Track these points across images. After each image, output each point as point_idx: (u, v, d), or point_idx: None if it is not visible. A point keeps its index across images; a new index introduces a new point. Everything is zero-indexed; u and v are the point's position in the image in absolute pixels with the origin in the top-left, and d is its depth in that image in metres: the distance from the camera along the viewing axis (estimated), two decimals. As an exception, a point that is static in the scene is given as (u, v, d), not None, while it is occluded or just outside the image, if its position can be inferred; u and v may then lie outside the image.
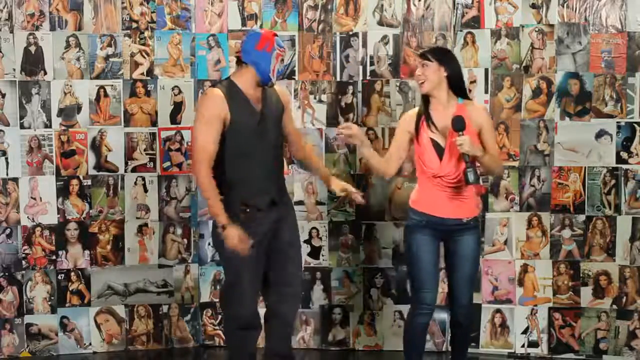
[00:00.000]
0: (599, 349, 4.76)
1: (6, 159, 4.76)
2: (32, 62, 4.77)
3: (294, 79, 4.91)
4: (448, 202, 3.86)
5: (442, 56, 3.85)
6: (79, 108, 4.85)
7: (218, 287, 4.95)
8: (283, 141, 3.99)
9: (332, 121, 4.91)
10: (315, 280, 4.96)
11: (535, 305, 4.82)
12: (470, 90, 4.55)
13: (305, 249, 4.94)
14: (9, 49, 4.73)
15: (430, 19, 4.83)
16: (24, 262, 4.81)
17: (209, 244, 4.96)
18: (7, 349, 4.79)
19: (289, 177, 4.92)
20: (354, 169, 4.92)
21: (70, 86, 4.82)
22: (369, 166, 4.19)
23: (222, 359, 4.90)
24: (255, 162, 3.76)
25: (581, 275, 4.76)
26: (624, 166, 4.69)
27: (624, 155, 4.69)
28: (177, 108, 4.93)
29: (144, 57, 4.89)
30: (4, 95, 4.75)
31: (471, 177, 3.67)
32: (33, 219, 4.81)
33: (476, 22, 4.80)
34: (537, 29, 4.72)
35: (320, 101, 4.92)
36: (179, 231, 4.97)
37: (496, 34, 4.77)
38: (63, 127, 4.83)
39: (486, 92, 4.76)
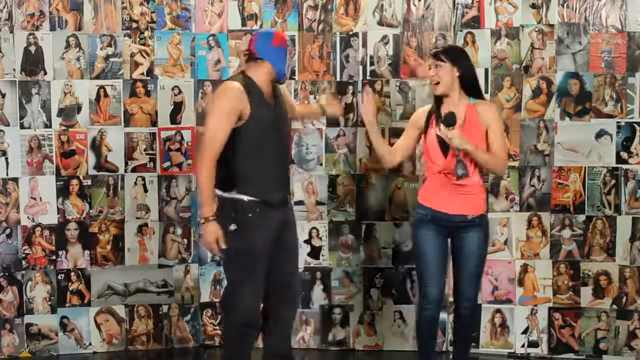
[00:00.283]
0: (599, 349, 4.76)
1: (6, 159, 4.76)
2: (32, 62, 4.77)
3: (294, 79, 4.91)
4: (453, 198, 3.88)
5: (455, 56, 3.86)
6: (79, 108, 4.85)
7: (218, 287, 4.95)
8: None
9: (332, 121, 4.91)
10: (315, 280, 4.96)
11: (535, 305, 4.82)
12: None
13: (305, 249, 4.95)
14: (9, 49, 4.73)
15: (430, 19, 4.83)
16: (24, 262, 4.81)
17: (209, 244, 4.96)
18: (7, 349, 4.79)
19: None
20: (354, 169, 4.92)
21: (70, 86, 4.82)
22: (374, 151, 4.24)
23: (222, 359, 4.90)
24: (271, 158, 3.78)
25: (581, 275, 4.76)
26: (624, 166, 4.69)
27: (624, 155, 4.69)
28: (177, 108, 4.93)
29: (144, 57, 4.89)
30: (4, 95, 4.75)
31: (459, 170, 3.77)
32: (33, 219, 4.81)
33: (476, 22, 4.80)
34: (537, 29, 4.72)
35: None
36: (179, 231, 4.97)
37: (496, 34, 4.77)
38: (63, 127, 4.83)
39: (486, 92, 4.74)
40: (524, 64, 4.74)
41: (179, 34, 4.91)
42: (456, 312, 4.13)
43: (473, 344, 4.67)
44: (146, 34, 4.88)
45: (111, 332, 4.93)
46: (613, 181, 4.70)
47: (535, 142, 4.76)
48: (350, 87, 4.89)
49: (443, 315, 4.75)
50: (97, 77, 4.85)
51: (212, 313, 4.99)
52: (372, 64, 4.87)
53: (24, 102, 4.76)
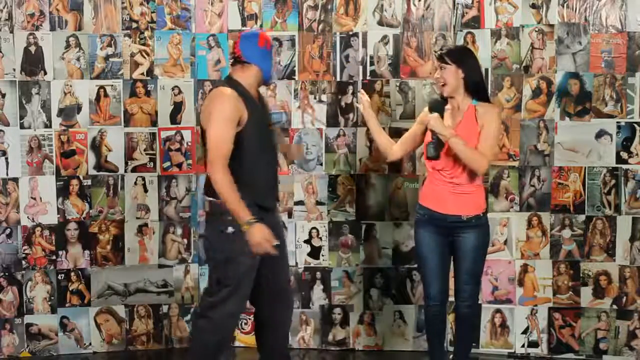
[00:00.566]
0: (599, 349, 4.76)
1: (6, 159, 4.76)
2: (32, 62, 4.77)
3: (294, 79, 4.91)
4: (448, 198, 3.90)
5: (460, 58, 3.87)
6: (79, 108, 4.85)
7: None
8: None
9: (332, 121, 4.91)
10: (315, 280, 4.96)
11: (535, 305, 4.82)
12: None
13: (305, 249, 4.95)
14: (9, 49, 4.73)
15: (430, 19, 4.83)
16: (24, 262, 4.81)
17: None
18: (7, 349, 4.79)
19: (289, 177, 4.92)
20: (354, 169, 4.92)
21: (70, 86, 4.82)
22: (374, 141, 4.29)
23: (227, 358, 4.89)
24: (266, 162, 3.75)
25: (581, 275, 4.76)
26: (624, 166, 4.69)
27: (624, 155, 4.69)
28: (177, 108, 4.93)
29: (144, 57, 4.89)
30: (4, 95, 4.75)
31: (429, 151, 3.83)
32: (33, 219, 4.81)
33: (476, 22, 4.80)
34: (537, 29, 4.72)
35: (320, 101, 4.92)
36: (179, 231, 4.97)
37: (496, 34, 4.77)
38: (63, 127, 4.83)
39: (486, 92, 4.76)
40: (524, 64, 4.74)
41: (179, 34, 4.91)
42: (455, 311, 4.14)
43: (473, 343, 4.67)
44: (146, 34, 4.88)
45: (111, 332, 4.93)
46: (613, 181, 4.70)
47: (535, 142, 4.76)
48: (350, 87, 4.89)
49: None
50: (97, 77, 4.85)
51: (212, 313, 4.99)
52: (372, 64, 4.87)
53: (24, 102, 4.76)
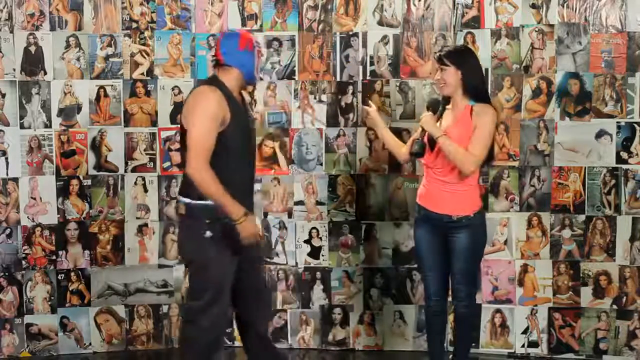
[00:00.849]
0: (599, 349, 4.76)
1: (6, 159, 4.76)
2: (32, 62, 4.77)
3: (294, 79, 4.91)
4: (440, 197, 3.92)
5: (459, 59, 3.88)
6: (79, 108, 4.85)
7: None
8: None
9: (332, 121, 4.91)
10: (315, 280, 4.96)
11: (535, 305, 4.82)
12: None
13: (305, 249, 4.95)
14: (9, 49, 4.73)
15: (430, 19, 4.83)
16: (24, 262, 4.81)
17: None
18: (7, 349, 4.79)
19: (289, 177, 4.92)
20: (354, 169, 4.92)
21: (70, 86, 4.82)
22: (385, 145, 4.38)
23: (222, 358, 4.90)
24: (245, 165, 3.69)
25: (581, 275, 4.76)
26: (624, 166, 4.69)
27: (624, 155, 4.69)
28: (177, 108, 4.92)
29: (144, 57, 4.89)
30: (4, 95, 4.75)
31: (414, 147, 3.93)
32: (33, 219, 4.81)
33: (476, 22, 4.80)
34: (537, 29, 4.72)
35: (320, 101, 4.92)
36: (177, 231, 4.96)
37: (496, 34, 4.77)
38: (63, 127, 4.83)
39: (486, 92, 4.76)
40: (524, 64, 4.74)
41: (179, 34, 4.91)
42: (454, 312, 4.15)
43: (473, 344, 4.67)
44: (146, 34, 4.88)
45: (111, 332, 4.93)
46: (613, 181, 4.70)
47: (535, 142, 4.76)
48: (350, 87, 4.89)
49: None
50: (97, 77, 4.85)
51: (212, 313, 4.99)
52: (372, 64, 4.87)
53: (24, 102, 4.76)
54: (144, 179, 4.93)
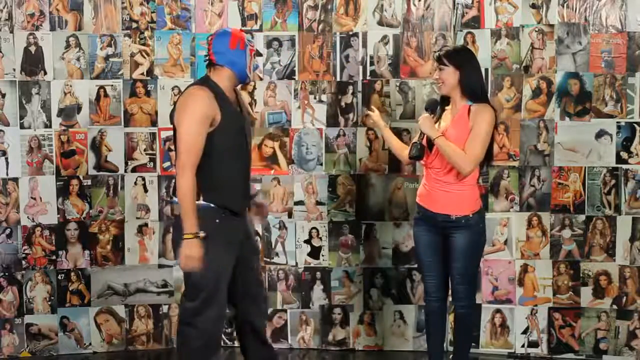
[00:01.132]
0: (599, 349, 4.76)
1: (6, 159, 4.76)
2: (32, 62, 4.77)
3: (294, 79, 4.91)
4: (438, 196, 3.93)
5: (458, 60, 3.88)
6: (79, 108, 4.85)
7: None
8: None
9: (332, 121, 4.91)
10: (315, 280, 4.96)
11: (535, 305, 4.82)
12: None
13: (305, 249, 4.95)
14: (9, 49, 4.73)
15: (430, 19, 4.83)
16: (24, 262, 4.81)
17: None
18: (7, 349, 4.79)
19: (289, 177, 4.92)
20: (354, 169, 4.92)
21: (70, 86, 4.82)
22: (389, 148, 4.44)
23: (221, 359, 4.90)
24: (239, 165, 3.67)
25: (581, 275, 4.76)
26: (624, 166, 4.69)
27: (624, 155, 4.69)
28: (177, 108, 4.92)
29: (144, 57, 4.89)
30: (4, 95, 4.75)
31: (412, 150, 3.91)
32: (33, 219, 4.81)
33: (476, 22, 4.80)
34: (537, 29, 4.72)
35: (320, 101, 4.92)
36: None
37: (496, 34, 4.77)
38: (63, 127, 4.83)
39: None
40: (524, 64, 4.74)
41: (179, 34, 4.91)
42: (454, 311, 4.15)
43: (473, 344, 4.67)
44: (146, 34, 4.88)
45: (111, 332, 4.93)
46: (613, 181, 4.70)
47: (535, 142, 4.76)
48: (350, 87, 4.89)
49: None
50: (97, 77, 4.85)
51: (212, 313, 4.99)
52: (372, 64, 4.87)
53: (24, 102, 4.76)
54: (144, 179, 4.93)
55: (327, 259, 4.96)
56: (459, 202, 3.91)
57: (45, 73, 4.79)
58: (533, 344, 4.82)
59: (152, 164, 4.92)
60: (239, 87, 3.80)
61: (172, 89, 4.91)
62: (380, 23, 4.87)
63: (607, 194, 4.72)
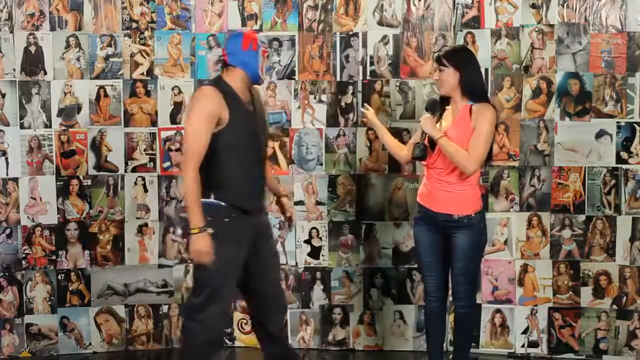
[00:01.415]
0: (599, 349, 4.76)
1: (6, 159, 4.76)
2: (32, 62, 4.77)
3: (294, 79, 4.91)
4: (440, 196, 3.92)
5: (457, 61, 3.88)
6: (79, 108, 4.85)
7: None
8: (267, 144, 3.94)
9: (332, 121, 4.91)
10: (315, 280, 4.96)
11: (535, 305, 4.82)
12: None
13: (305, 249, 4.95)
14: (9, 49, 4.73)
15: (430, 19, 4.83)
16: (24, 262, 4.81)
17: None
18: (7, 349, 4.79)
19: (289, 177, 4.92)
20: (354, 169, 4.92)
21: (70, 86, 4.82)
22: (385, 147, 4.39)
23: (221, 358, 4.90)
24: (248, 164, 3.69)
25: (581, 275, 4.76)
26: (624, 166, 4.69)
27: (624, 155, 4.69)
28: (177, 108, 4.93)
29: (144, 57, 4.89)
30: (4, 95, 4.75)
31: (415, 151, 3.90)
32: (33, 219, 4.81)
33: (476, 22, 4.80)
34: (537, 29, 4.72)
35: (320, 101, 4.92)
36: (179, 231, 4.97)
37: (496, 34, 4.77)
38: (63, 127, 4.83)
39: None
40: (524, 64, 4.74)
41: (179, 34, 4.91)
42: (454, 311, 4.15)
43: (473, 344, 4.67)
44: (146, 34, 4.88)
45: (111, 332, 4.93)
46: (613, 181, 4.70)
47: (535, 142, 4.76)
48: (350, 87, 4.89)
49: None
50: (97, 77, 4.86)
51: (212, 313, 4.99)
52: (372, 64, 4.87)
53: (24, 102, 4.76)
54: (144, 179, 4.93)
55: (327, 259, 4.96)
56: (461, 201, 3.91)
57: (45, 73, 4.79)
58: (533, 344, 4.82)
59: (152, 164, 4.92)
60: (255, 86, 3.84)
61: (172, 89, 4.91)
62: (380, 23, 4.87)
63: (607, 194, 4.71)
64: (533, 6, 4.72)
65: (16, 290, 4.81)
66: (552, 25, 4.70)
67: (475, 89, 3.90)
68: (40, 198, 4.81)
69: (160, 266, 4.96)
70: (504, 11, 4.76)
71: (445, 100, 3.98)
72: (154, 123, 4.91)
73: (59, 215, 4.84)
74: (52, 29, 4.78)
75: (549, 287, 4.80)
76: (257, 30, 4.89)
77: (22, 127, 4.77)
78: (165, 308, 4.98)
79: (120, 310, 4.94)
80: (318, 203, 4.95)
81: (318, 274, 4.96)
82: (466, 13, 4.80)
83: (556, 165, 4.74)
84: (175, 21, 4.92)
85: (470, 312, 4.11)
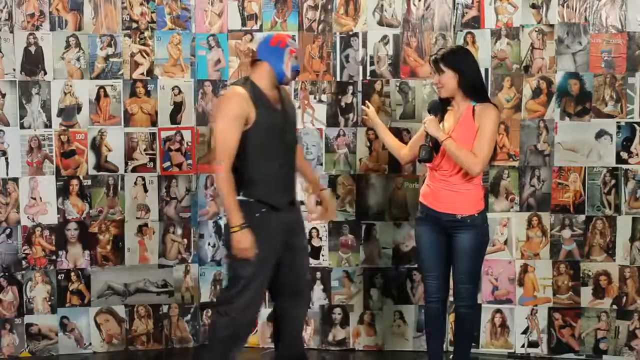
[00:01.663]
0: (599, 349, 4.76)
1: (6, 159, 4.76)
2: (32, 62, 4.77)
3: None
4: (444, 196, 3.92)
5: (454, 63, 3.87)
6: (79, 108, 4.85)
7: (218, 287, 4.96)
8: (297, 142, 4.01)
9: (332, 121, 4.91)
10: (315, 280, 4.95)
11: (535, 305, 4.82)
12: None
13: (305, 249, 4.96)
14: (9, 49, 4.73)
15: (430, 19, 4.83)
16: (24, 262, 4.81)
17: (209, 244, 4.97)
18: (7, 349, 4.79)
19: (289, 177, 4.92)
20: (354, 169, 4.92)
21: (70, 86, 4.82)
22: (385, 146, 4.41)
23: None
24: (277, 162, 3.78)
25: (581, 275, 4.76)
26: (624, 166, 4.69)
27: (624, 155, 4.69)
28: (177, 108, 4.93)
29: (144, 57, 4.89)
30: (4, 95, 4.75)
31: (421, 153, 3.90)
32: (33, 219, 4.81)
33: (476, 22, 4.80)
34: (537, 29, 4.72)
35: (320, 101, 4.92)
36: (179, 231, 4.97)
37: (496, 34, 4.76)
38: (63, 127, 4.83)
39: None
40: (524, 64, 4.74)
41: (179, 34, 4.91)
42: (455, 311, 4.14)
43: (473, 344, 4.67)
44: (146, 34, 4.88)
45: (111, 332, 4.93)
46: (613, 181, 4.70)
47: (535, 142, 4.76)
48: (350, 87, 4.89)
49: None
50: (97, 77, 4.85)
51: (212, 313, 4.99)
52: (372, 64, 4.87)
53: (24, 102, 4.76)
54: (144, 179, 4.93)
55: (327, 259, 4.96)
56: (465, 201, 3.91)
57: (45, 73, 4.79)
58: (533, 344, 4.82)
59: (152, 164, 4.92)
60: (284, 87, 3.93)
61: (172, 89, 4.91)
62: (380, 23, 4.87)
63: (607, 194, 4.71)
64: (533, 6, 4.71)
65: (16, 290, 4.81)
66: (552, 25, 4.70)
67: (475, 88, 3.90)
68: (40, 198, 4.81)
69: (160, 266, 4.96)
70: (504, 11, 4.76)
71: (446, 101, 3.98)
72: (154, 123, 4.91)
73: (59, 215, 4.84)
74: (52, 29, 4.78)
75: (549, 287, 4.80)
76: (257, 30, 4.89)
77: (22, 127, 4.77)
78: (165, 308, 4.98)
79: (120, 310, 4.94)
80: (318, 203, 4.93)
81: (318, 274, 4.96)
82: (466, 13, 4.80)
83: (556, 165, 4.74)
84: (175, 21, 4.92)
85: (472, 312, 4.12)
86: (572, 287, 4.78)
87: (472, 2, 4.78)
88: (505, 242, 4.82)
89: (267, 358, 4.77)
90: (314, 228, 4.94)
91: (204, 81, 4.93)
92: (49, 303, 4.85)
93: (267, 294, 4.03)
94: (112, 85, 4.87)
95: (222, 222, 4.96)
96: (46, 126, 4.80)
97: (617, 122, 4.68)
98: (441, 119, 3.95)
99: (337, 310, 4.97)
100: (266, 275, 3.78)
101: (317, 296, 4.96)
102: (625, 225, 4.70)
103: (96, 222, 4.89)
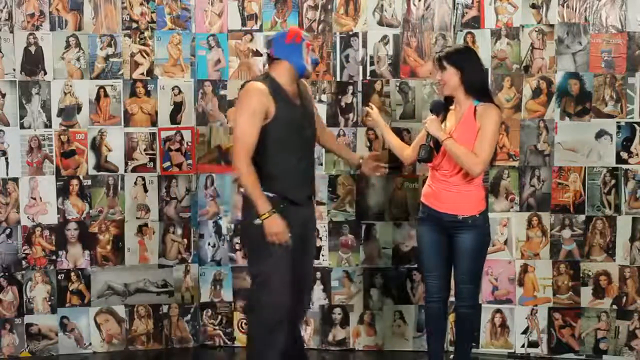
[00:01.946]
0: (599, 349, 4.76)
1: (6, 159, 4.76)
2: (32, 62, 4.77)
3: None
4: (445, 196, 3.92)
5: (458, 61, 3.88)
6: (79, 108, 4.85)
7: (218, 287, 4.95)
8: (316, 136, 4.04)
9: (332, 121, 4.91)
10: (315, 280, 4.95)
11: (535, 305, 4.82)
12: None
13: (305, 249, 4.95)
14: (9, 49, 4.73)
15: (430, 19, 4.83)
16: (24, 262, 4.81)
17: (209, 243, 4.97)
18: (7, 349, 4.79)
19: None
20: (354, 169, 4.91)
21: (70, 86, 4.82)
22: (389, 147, 4.42)
23: (221, 359, 4.91)
24: (296, 157, 3.82)
25: (581, 275, 4.76)
26: (624, 166, 4.69)
27: (624, 155, 4.69)
28: (177, 108, 4.93)
29: (144, 57, 4.89)
30: (4, 95, 4.75)
31: (421, 153, 3.91)
32: (33, 219, 4.81)
33: (476, 22, 4.80)
34: (537, 29, 4.72)
35: (320, 101, 4.91)
36: (179, 231, 4.97)
37: (496, 34, 4.77)
38: (63, 127, 4.83)
39: (486, 92, 4.75)
40: (524, 64, 4.74)
41: (179, 34, 4.91)
42: (455, 311, 4.15)
43: (473, 344, 4.67)
44: (146, 34, 4.88)
45: (111, 332, 4.93)
46: (613, 181, 4.70)
47: (535, 142, 4.76)
48: (350, 87, 4.89)
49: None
50: (97, 77, 4.85)
51: (212, 313, 4.99)
52: (372, 64, 4.87)
53: (24, 102, 4.76)
54: (144, 179, 4.93)
55: (327, 259, 4.96)
56: (467, 202, 3.91)
57: (45, 73, 4.79)
58: (533, 344, 4.82)
59: (152, 164, 4.92)
60: (303, 80, 3.97)
61: (172, 89, 4.91)
62: (380, 23, 4.87)
63: (607, 194, 4.71)
64: (533, 6, 4.72)
65: (16, 290, 4.81)
66: (552, 25, 4.70)
67: (478, 87, 3.90)
68: (40, 198, 4.81)
69: (160, 266, 4.96)
70: (504, 11, 4.76)
71: (448, 101, 3.98)
72: (154, 123, 4.91)
73: (59, 215, 4.84)
74: (52, 29, 4.78)
75: (549, 287, 4.80)
76: (257, 30, 4.89)
77: (22, 127, 4.77)
78: (165, 308, 4.98)
79: (120, 310, 4.94)
80: (318, 203, 4.93)
81: (318, 274, 4.96)
82: (466, 13, 4.80)
83: (556, 165, 4.74)
84: (175, 21, 4.92)
85: (473, 312, 4.12)
86: (572, 287, 4.78)
87: (472, 2, 4.79)
88: (505, 242, 4.82)
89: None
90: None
91: (204, 81, 4.93)
92: (49, 303, 4.85)
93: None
94: (112, 85, 4.87)
95: (222, 222, 4.96)
96: (46, 126, 4.80)
97: (617, 122, 4.68)
98: (443, 119, 3.95)
99: (337, 310, 4.97)
100: (288, 268, 3.79)
101: (317, 296, 4.96)
102: (625, 225, 4.70)
103: (96, 222, 4.89)
